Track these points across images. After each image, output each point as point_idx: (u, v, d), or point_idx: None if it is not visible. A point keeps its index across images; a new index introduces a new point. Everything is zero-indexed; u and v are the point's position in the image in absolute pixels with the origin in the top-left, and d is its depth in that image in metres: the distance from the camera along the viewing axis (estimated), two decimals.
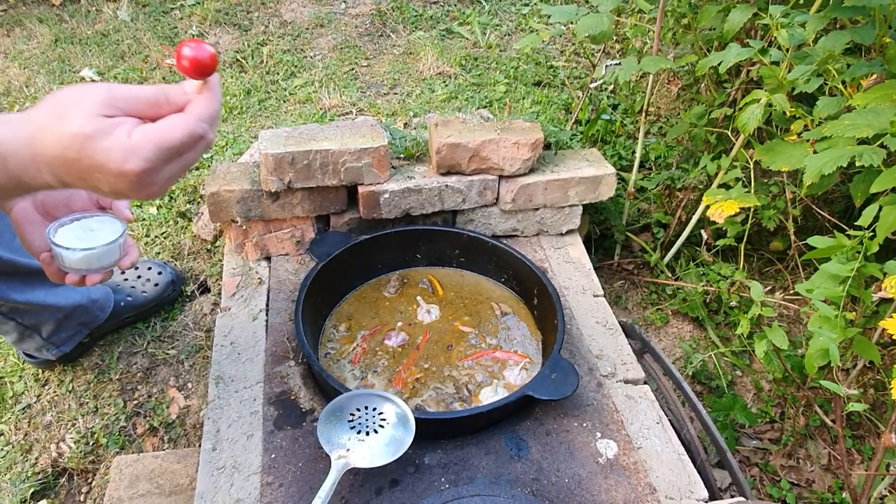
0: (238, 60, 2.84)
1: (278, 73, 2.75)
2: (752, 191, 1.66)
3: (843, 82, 1.36)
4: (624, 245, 2.21)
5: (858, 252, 1.21)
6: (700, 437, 1.55)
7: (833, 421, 1.75)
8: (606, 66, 1.70)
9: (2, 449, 1.61)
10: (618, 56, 2.69)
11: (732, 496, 1.65)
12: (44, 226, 1.03)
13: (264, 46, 2.91)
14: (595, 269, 1.82)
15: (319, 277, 1.55)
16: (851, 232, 1.23)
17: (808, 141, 1.41)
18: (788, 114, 1.43)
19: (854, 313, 1.44)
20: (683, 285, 2.07)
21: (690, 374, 1.93)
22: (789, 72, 1.46)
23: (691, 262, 2.14)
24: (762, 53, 1.43)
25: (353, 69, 2.78)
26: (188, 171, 0.69)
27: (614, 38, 2.61)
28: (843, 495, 1.72)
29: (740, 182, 1.71)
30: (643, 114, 1.90)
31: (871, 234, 1.20)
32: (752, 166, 1.67)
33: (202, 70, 0.72)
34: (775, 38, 1.40)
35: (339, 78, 2.70)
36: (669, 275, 2.12)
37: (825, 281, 1.24)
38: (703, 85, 2.03)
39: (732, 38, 1.63)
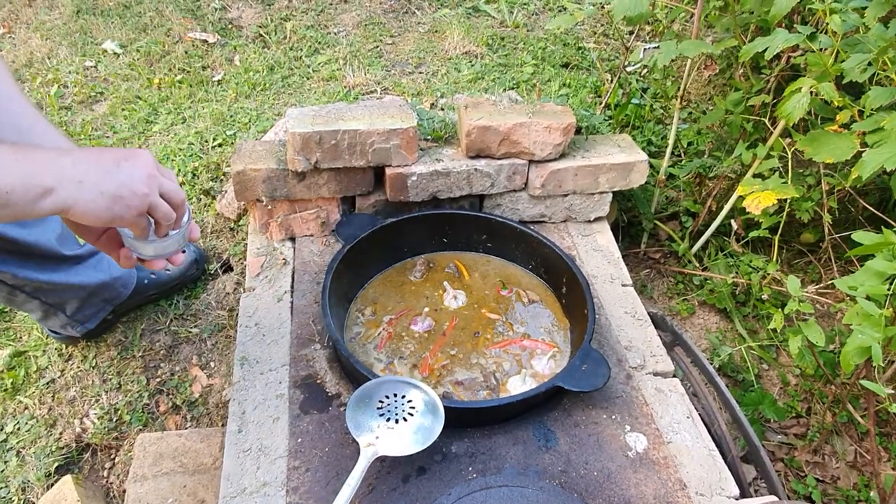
0: (261, 35, 2.80)
1: (302, 50, 2.71)
2: (789, 181, 1.61)
3: None
4: (651, 233, 2.17)
5: None
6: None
7: (862, 417, 1.72)
8: (644, 49, 1.65)
9: (26, 423, 1.62)
10: (648, 38, 2.62)
11: (756, 490, 1.63)
12: None
13: (288, 22, 2.87)
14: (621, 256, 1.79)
15: (345, 260, 1.53)
16: None
17: (854, 133, 1.36)
18: (836, 103, 1.37)
19: (891, 310, 1.40)
20: (712, 276, 2.03)
21: (717, 366, 1.90)
22: (836, 59, 1.40)
23: (720, 252, 2.10)
24: (810, 39, 1.38)
25: (377, 47, 2.74)
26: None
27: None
28: (871, 494, 1.70)
29: (776, 172, 1.67)
30: (678, 100, 1.85)
31: None
32: (789, 156, 1.62)
33: None
34: (826, 23, 1.34)
35: (363, 55, 2.66)
36: (697, 265, 2.09)
37: (869, 278, 1.20)
38: (739, 71, 1.97)
39: (776, 24, 1.57)
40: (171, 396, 1.68)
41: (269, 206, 1.69)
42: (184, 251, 1.10)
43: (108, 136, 2.30)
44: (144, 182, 0.93)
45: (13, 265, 1.38)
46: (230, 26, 2.89)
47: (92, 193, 0.89)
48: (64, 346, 1.74)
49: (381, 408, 1.20)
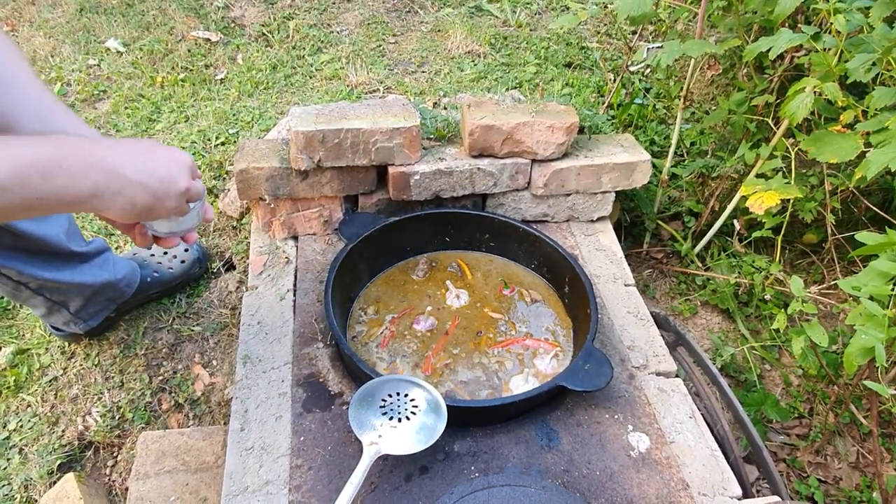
0: (264, 34, 2.80)
1: (304, 49, 2.70)
2: (792, 181, 1.61)
3: None
4: (653, 233, 2.17)
5: None
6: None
7: (865, 417, 1.72)
8: (648, 48, 1.65)
9: (29, 420, 1.62)
10: (651, 38, 2.62)
11: (759, 490, 1.63)
12: None
13: (290, 20, 2.87)
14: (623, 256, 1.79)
15: (348, 259, 1.53)
16: None
17: (858, 133, 1.35)
18: (840, 103, 1.37)
19: (894, 311, 1.40)
20: (714, 276, 2.03)
21: (719, 366, 1.89)
22: (840, 59, 1.40)
23: (722, 252, 2.10)
24: (814, 39, 1.38)
25: (380, 46, 2.74)
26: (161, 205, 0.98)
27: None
28: (873, 494, 1.70)
29: (779, 172, 1.66)
30: (681, 99, 1.85)
31: None
32: (793, 156, 1.62)
33: None
34: (830, 23, 1.34)
35: (366, 55, 2.66)
36: (700, 265, 2.08)
37: (873, 278, 1.20)
38: (743, 71, 1.97)
39: (779, 23, 1.57)
40: (173, 394, 1.68)
41: (272, 205, 1.69)
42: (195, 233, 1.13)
43: (110, 135, 2.30)
44: (185, 179, 0.97)
45: (19, 261, 1.39)
46: (233, 25, 2.89)
47: (135, 191, 0.91)
48: (66, 343, 1.74)
49: (383, 406, 1.20)
